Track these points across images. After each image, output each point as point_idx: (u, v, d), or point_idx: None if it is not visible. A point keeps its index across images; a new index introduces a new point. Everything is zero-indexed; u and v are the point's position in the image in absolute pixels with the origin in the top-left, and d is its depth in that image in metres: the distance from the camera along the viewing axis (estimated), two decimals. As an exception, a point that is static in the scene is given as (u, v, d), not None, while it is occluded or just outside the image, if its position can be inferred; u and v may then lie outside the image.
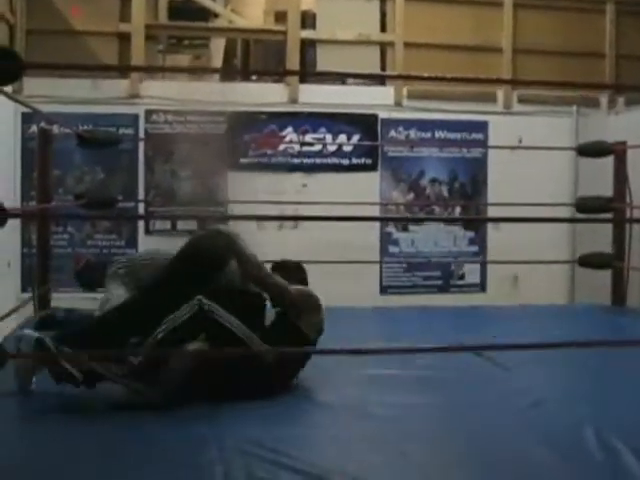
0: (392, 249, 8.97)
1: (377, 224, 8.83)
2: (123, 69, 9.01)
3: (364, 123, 8.95)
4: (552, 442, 3.73)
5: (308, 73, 9.64)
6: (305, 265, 5.23)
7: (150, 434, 3.90)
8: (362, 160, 8.92)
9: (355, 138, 8.92)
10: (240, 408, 4.23)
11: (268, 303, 4.66)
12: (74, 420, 4.07)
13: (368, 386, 4.72)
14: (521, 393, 4.52)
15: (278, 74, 9.50)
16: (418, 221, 7.20)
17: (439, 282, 8.92)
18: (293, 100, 8.90)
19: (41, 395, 4.31)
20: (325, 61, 9.13)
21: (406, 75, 9.53)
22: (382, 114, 8.97)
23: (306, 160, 8.87)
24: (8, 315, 5.61)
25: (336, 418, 4.22)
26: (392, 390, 4.64)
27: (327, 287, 7.90)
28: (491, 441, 3.82)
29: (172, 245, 5.03)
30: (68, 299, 7.39)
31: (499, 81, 9.11)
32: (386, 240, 8.94)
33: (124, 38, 8.72)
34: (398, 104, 9.02)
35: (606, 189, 7.94)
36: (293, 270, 5.03)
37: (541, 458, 3.58)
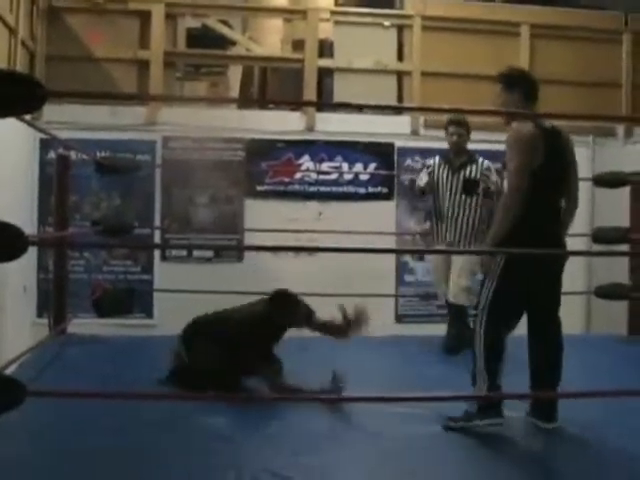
0: (408, 278, 8.97)
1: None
2: (142, 98, 9.05)
3: (381, 152, 8.97)
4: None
5: (325, 103, 9.66)
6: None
7: (170, 462, 3.97)
8: (378, 189, 8.94)
9: (371, 167, 8.94)
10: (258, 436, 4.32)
11: None
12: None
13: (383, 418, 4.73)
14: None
15: (295, 104, 9.52)
16: (429, 253, 7.17)
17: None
18: (310, 128, 8.93)
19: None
20: (342, 89, 9.16)
21: (424, 107, 9.54)
22: (399, 143, 9.00)
23: (322, 188, 8.89)
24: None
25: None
26: (408, 422, 4.66)
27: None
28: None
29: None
30: (84, 325, 7.42)
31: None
32: (402, 269, 8.94)
33: (143, 65, 8.78)
34: (415, 133, 9.04)
35: (623, 219, 7.94)
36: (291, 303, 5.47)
37: None
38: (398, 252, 7.10)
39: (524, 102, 4.91)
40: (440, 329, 7.17)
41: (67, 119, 8.05)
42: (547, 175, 4.64)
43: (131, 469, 3.86)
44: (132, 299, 7.70)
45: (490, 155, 9.05)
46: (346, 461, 4.10)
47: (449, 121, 7.17)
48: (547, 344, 4.85)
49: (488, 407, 4.58)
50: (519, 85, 4.95)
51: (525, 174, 4.60)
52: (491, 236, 4.67)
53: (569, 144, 4.96)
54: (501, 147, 8.34)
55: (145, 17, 8.79)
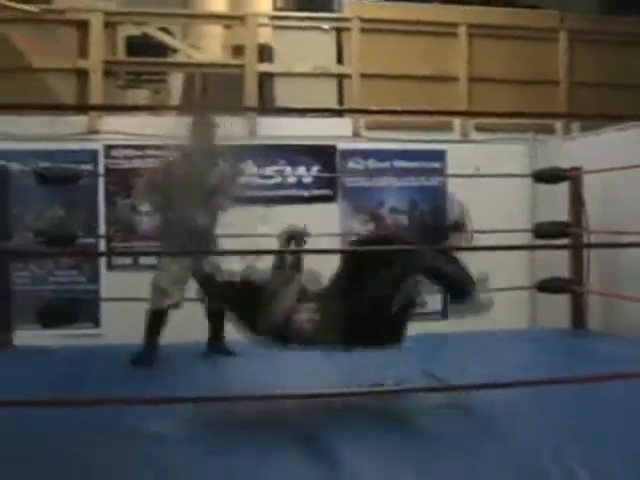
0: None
1: (336, 256, 8.84)
2: (82, 108, 8.98)
3: (323, 154, 9.00)
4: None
5: (267, 109, 9.67)
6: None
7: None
8: (321, 191, 8.97)
9: (314, 169, 8.96)
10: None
11: None
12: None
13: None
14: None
15: (237, 110, 9.52)
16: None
17: (400, 310, 8.89)
18: (252, 133, 8.93)
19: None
20: (283, 93, 9.20)
21: (364, 109, 9.59)
22: (340, 145, 9.03)
23: (266, 192, 8.89)
24: None
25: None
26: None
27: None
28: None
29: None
30: (32, 337, 7.36)
31: (455, 113, 9.20)
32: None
33: (82, 74, 8.73)
34: (356, 135, 9.08)
35: (562, 214, 8.05)
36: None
37: None
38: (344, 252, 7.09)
39: None
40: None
41: (4, 130, 7.98)
42: None
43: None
44: (77, 308, 7.66)
45: (426, 155, 9.18)
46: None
47: None
48: None
49: None
50: None
51: None
52: None
53: None
54: (439, 146, 8.49)
55: (83, 26, 8.75)
